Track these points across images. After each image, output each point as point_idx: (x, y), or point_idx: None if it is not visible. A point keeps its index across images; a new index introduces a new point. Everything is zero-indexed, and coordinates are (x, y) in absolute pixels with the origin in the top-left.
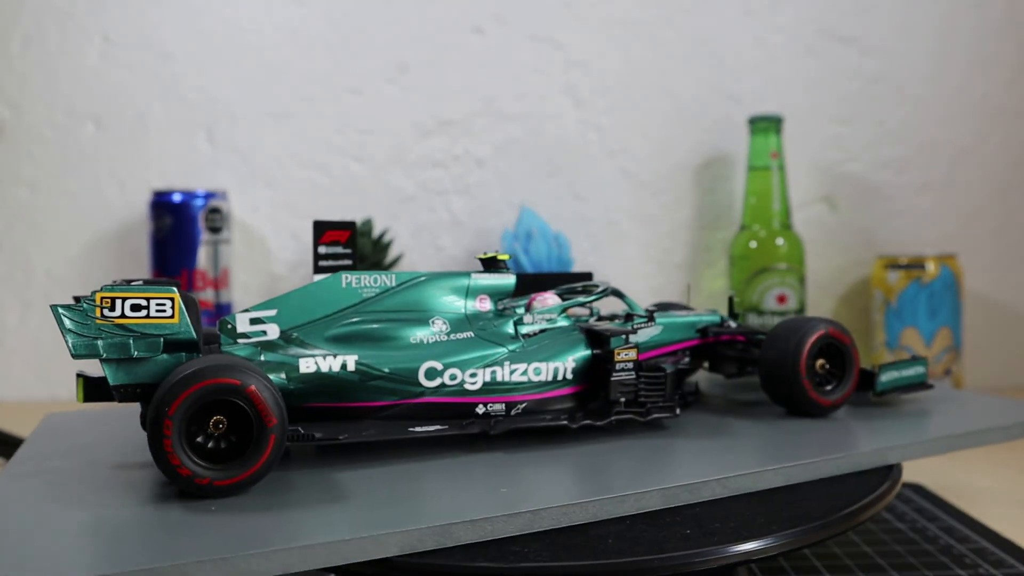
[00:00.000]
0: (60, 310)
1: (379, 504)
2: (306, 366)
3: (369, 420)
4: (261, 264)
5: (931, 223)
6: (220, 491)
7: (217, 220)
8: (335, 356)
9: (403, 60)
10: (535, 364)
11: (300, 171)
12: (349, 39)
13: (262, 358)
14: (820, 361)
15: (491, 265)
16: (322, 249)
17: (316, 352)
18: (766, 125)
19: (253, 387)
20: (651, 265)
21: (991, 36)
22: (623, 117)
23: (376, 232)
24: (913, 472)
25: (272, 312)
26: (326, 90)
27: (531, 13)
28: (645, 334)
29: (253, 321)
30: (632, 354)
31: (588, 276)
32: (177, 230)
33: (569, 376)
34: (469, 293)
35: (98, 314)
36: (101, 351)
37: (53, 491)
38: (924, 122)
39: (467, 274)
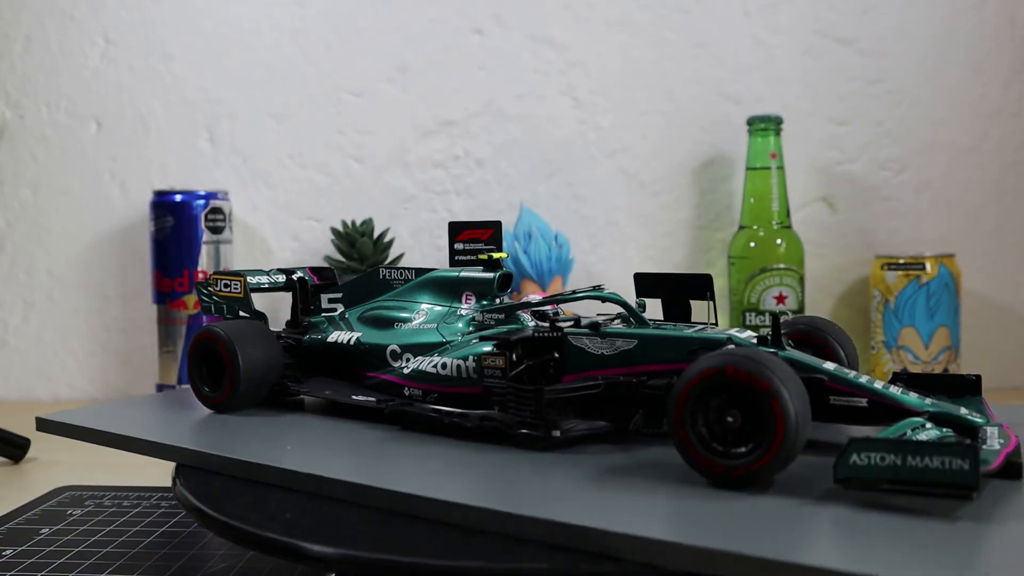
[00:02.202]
0: (199, 286)
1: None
2: (332, 338)
3: (360, 386)
4: (262, 264)
5: (930, 223)
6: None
7: (218, 220)
8: (351, 332)
9: (403, 60)
10: (443, 359)
11: (301, 171)
12: (349, 39)
13: (327, 326)
14: (730, 412)
15: (489, 264)
16: (458, 246)
17: (342, 328)
18: (765, 125)
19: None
20: (651, 265)
21: (989, 37)
22: (623, 117)
23: (376, 232)
24: None
25: (339, 295)
26: (326, 90)
27: (531, 13)
28: (597, 345)
29: (331, 300)
30: (498, 361)
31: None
32: (178, 230)
33: (474, 375)
34: (457, 288)
35: (211, 288)
36: (213, 311)
37: None
38: (922, 122)
39: (457, 271)
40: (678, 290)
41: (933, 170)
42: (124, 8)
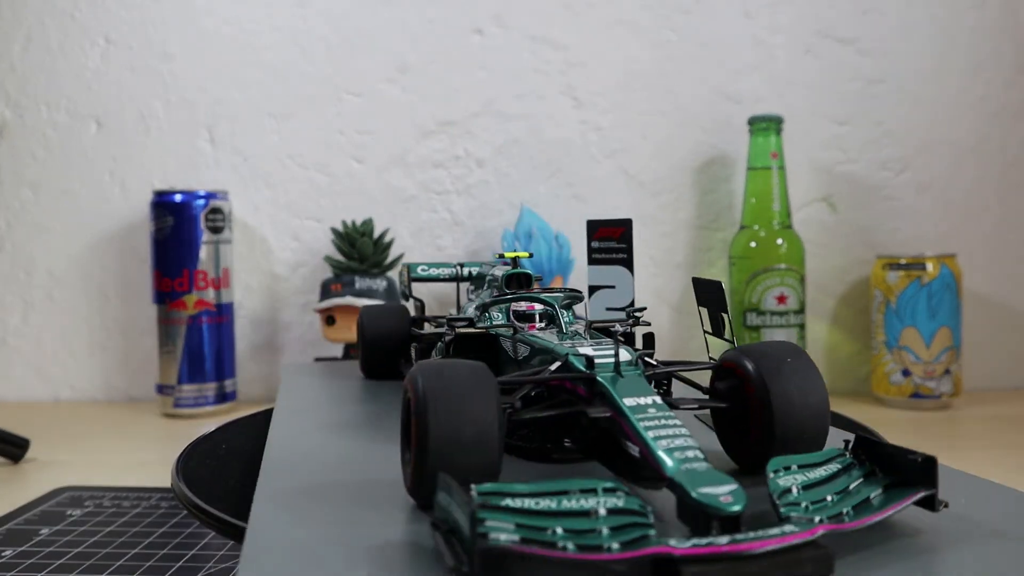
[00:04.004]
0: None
1: None
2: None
3: None
4: (262, 264)
5: (931, 223)
6: None
7: (218, 220)
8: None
9: (403, 60)
10: None
11: (301, 171)
12: (349, 39)
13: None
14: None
15: (512, 264)
16: (595, 244)
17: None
18: (766, 125)
19: None
20: (651, 265)
21: (990, 36)
22: (623, 117)
23: (376, 232)
24: None
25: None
26: (327, 90)
27: (531, 13)
28: (513, 349)
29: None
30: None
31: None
32: (178, 230)
33: None
34: (483, 284)
35: (403, 277)
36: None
37: None
38: (923, 122)
39: (490, 268)
40: (709, 299)
41: (934, 170)
42: (124, 8)
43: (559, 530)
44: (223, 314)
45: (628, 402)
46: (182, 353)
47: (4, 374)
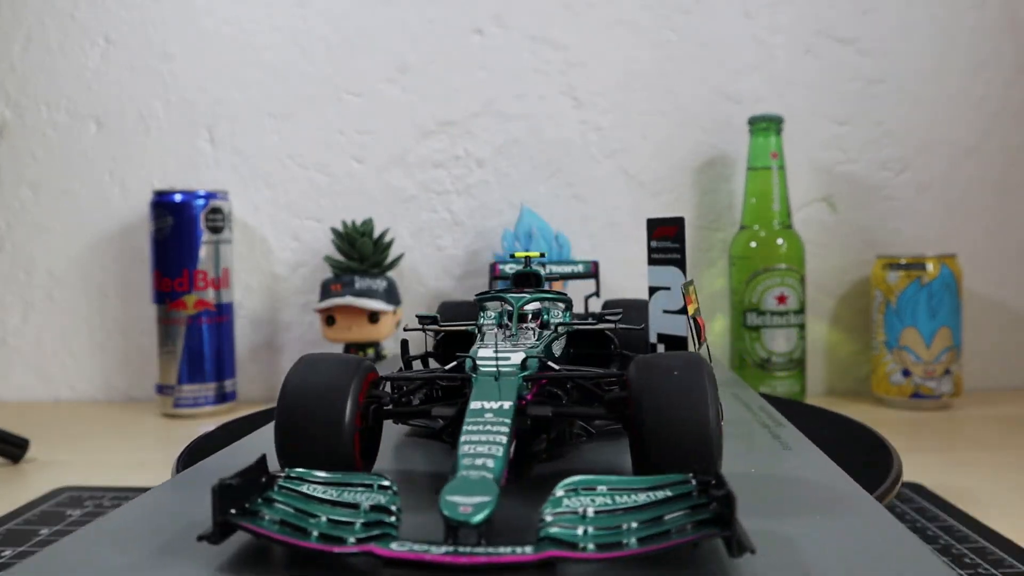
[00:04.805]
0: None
1: None
2: None
3: None
4: (262, 264)
5: (931, 223)
6: None
7: (218, 220)
8: None
9: (403, 60)
10: None
11: (301, 171)
12: (349, 39)
13: None
14: None
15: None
16: (654, 243)
17: None
18: (766, 125)
19: None
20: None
21: (990, 36)
22: (623, 117)
23: (376, 232)
24: (913, 472)
25: None
26: (326, 90)
27: (531, 13)
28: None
29: None
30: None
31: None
32: (178, 230)
33: None
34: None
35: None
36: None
37: None
38: (923, 122)
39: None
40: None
41: (934, 170)
42: (124, 8)
43: (324, 519)
44: (223, 314)
45: (474, 405)
46: (182, 353)
47: (4, 374)
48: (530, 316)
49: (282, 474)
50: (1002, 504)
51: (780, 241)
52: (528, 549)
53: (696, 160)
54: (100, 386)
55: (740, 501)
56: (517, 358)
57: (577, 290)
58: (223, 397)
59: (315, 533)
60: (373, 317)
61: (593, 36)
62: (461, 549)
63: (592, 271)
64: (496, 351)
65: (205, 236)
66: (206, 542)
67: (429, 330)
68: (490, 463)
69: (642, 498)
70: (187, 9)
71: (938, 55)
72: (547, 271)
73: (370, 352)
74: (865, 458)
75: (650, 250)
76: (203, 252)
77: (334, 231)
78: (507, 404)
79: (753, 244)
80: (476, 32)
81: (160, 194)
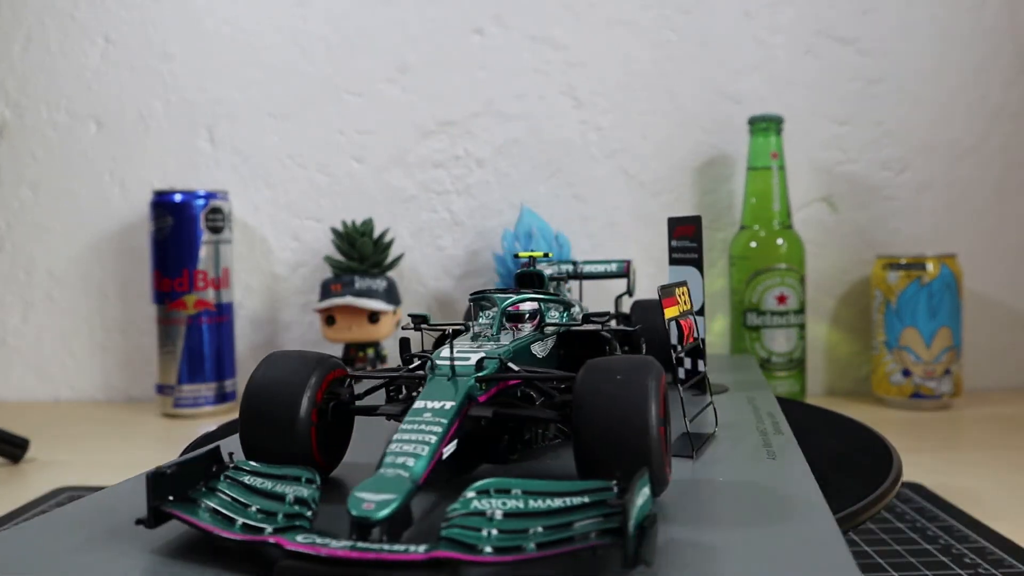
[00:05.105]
0: None
1: None
2: None
3: None
4: (262, 264)
5: (931, 223)
6: None
7: (218, 220)
8: None
9: (403, 60)
10: None
11: (301, 171)
12: (349, 39)
13: None
14: None
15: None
16: (674, 243)
17: None
18: (766, 125)
19: None
20: (651, 265)
21: (990, 36)
22: (623, 117)
23: (376, 232)
24: (913, 472)
25: None
26: (326, 90)
27: (531, 13)
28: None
29: None
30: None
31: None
32: (178, 230)
33: None
34: None
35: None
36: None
37: None
38: (923, 122)
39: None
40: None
41: (934, 170)
42: (124, 8)
43: (254, 509)
44: (223, 314)
45: (417, 404)
46: (182, 353)
47: (4, 374)
48: (526, 316)
49: (230, 465)
50: (1002, 504)
51: (780, 241)
52: (421, 548)
53: (696, 160)
54: (100, 386)
55: (682, 510)
56: (475, 358)
57: (606, 291)
58: (223, 397)
59: (239, 523)
60: (373, 317)
61: (593, 36)
62: (360, 545)
63: (624, 271)
64: (453, 351)
65: (205, 236)
66: (143, 526)
67: (428, 330)
68: (410, 462)
69: (556, 503)
70: (187, 9)
71: (938, 55)
72: (580, 270)
73: (370, 352)
74: (865, 458)
75: (671, 250)
76: (203, 252)
77: (334, 231)
78: (449, 404)
79: (753, 244)
80: (476, 32)
81: (160, 194)
